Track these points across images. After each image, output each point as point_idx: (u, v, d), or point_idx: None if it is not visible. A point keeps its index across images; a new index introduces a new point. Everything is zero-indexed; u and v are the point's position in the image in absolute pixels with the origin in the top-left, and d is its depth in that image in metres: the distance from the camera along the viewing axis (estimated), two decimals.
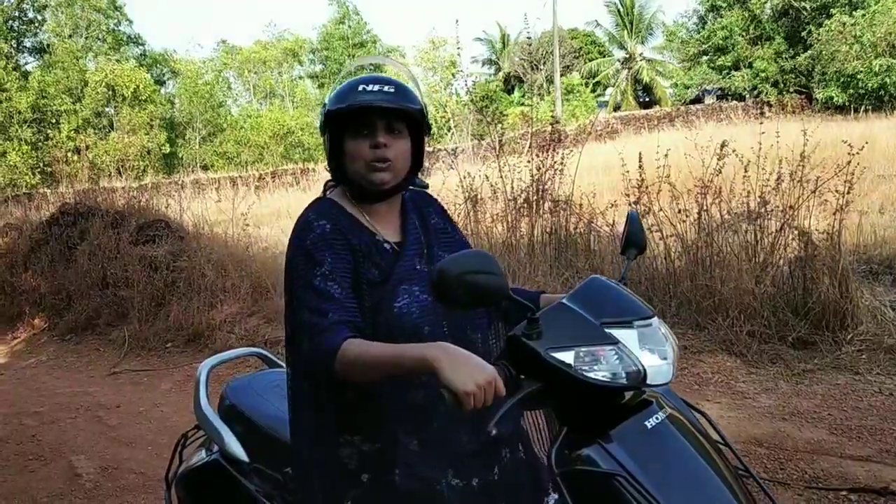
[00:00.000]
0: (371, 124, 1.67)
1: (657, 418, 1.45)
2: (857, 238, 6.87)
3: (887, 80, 25.87)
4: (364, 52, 42.30)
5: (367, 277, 1.63)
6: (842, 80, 27.41)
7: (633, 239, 1.91)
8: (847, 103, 26.66)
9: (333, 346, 1.48)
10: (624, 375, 1.39)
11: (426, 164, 1.87)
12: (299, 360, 1.69)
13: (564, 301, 1.48)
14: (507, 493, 1.68)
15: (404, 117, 1.70)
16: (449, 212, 2.00)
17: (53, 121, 33.19)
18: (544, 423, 1.85)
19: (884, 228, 8.00)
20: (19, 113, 31.95)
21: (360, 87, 1.67)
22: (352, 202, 1.74)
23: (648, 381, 1.41)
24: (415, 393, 1.59)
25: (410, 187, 1.84)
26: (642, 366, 1.40)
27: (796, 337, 5.17)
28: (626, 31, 41.50)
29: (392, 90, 1.68)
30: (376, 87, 1.67)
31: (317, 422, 1.67)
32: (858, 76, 26.56)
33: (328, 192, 1.82)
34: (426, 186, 1.90)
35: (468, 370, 1.34)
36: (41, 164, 30.45)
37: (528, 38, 34.34)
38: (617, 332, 1.42)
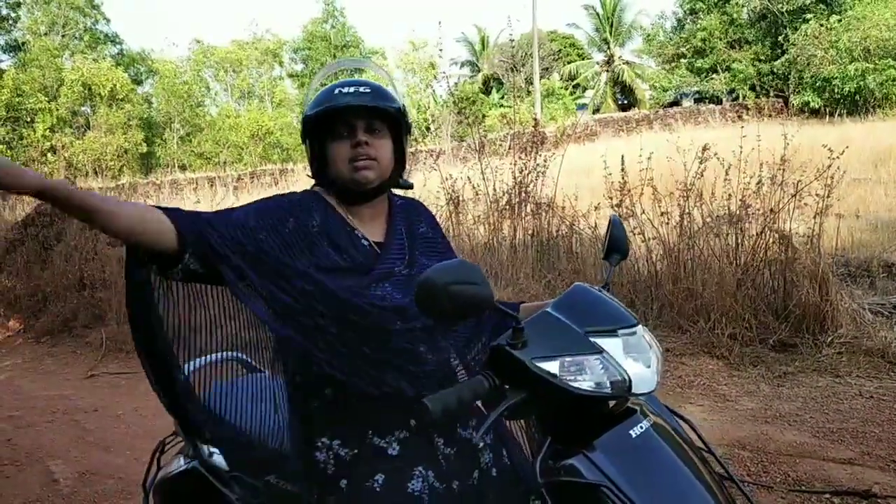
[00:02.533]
0: (350, 125, 1.68)
1: (641, 427, 1.43)
2: (836, 241, 6.93)
3: (861, 84, 26.14)
4: (347, 54, 42.11)
5: (325, 255, 1.61)
6: (817, 84, 27.68)
7: (616, 244, 1.89)
8: (823, 108, 26.93)
9: None
10: (608, 385, 1.38)
11: (408, 165, 1.86)
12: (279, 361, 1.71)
13: (549, 310, 1.46)
14: (488, 498, 1.67)
15: (383, 116, 1.70)
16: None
17: (28, 119, 32.78)
18: (527, 430, 1.84)
19: (861, 231, 8.10)
20: None
21: (336, 91, 1.68)
22: (336, 201, 1.73)
23: (633, 390, 1.40)
24: (393, 395, 1.57)
25: (397, 189, 1.83)
26: (627, 375, 1.39)
27: (777, 339, 5.22)
28: (608, 32, 41.67)
29: (368, 91, 1.69)
30: (352, 90, 1.68)
31: (294, 424, 1.65)
32: (834, 81, 26.83)
33: None
34: (411, 186, 1.88)
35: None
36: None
37: (511, 38, 34.31)
38: (601, 341, 1.40)
